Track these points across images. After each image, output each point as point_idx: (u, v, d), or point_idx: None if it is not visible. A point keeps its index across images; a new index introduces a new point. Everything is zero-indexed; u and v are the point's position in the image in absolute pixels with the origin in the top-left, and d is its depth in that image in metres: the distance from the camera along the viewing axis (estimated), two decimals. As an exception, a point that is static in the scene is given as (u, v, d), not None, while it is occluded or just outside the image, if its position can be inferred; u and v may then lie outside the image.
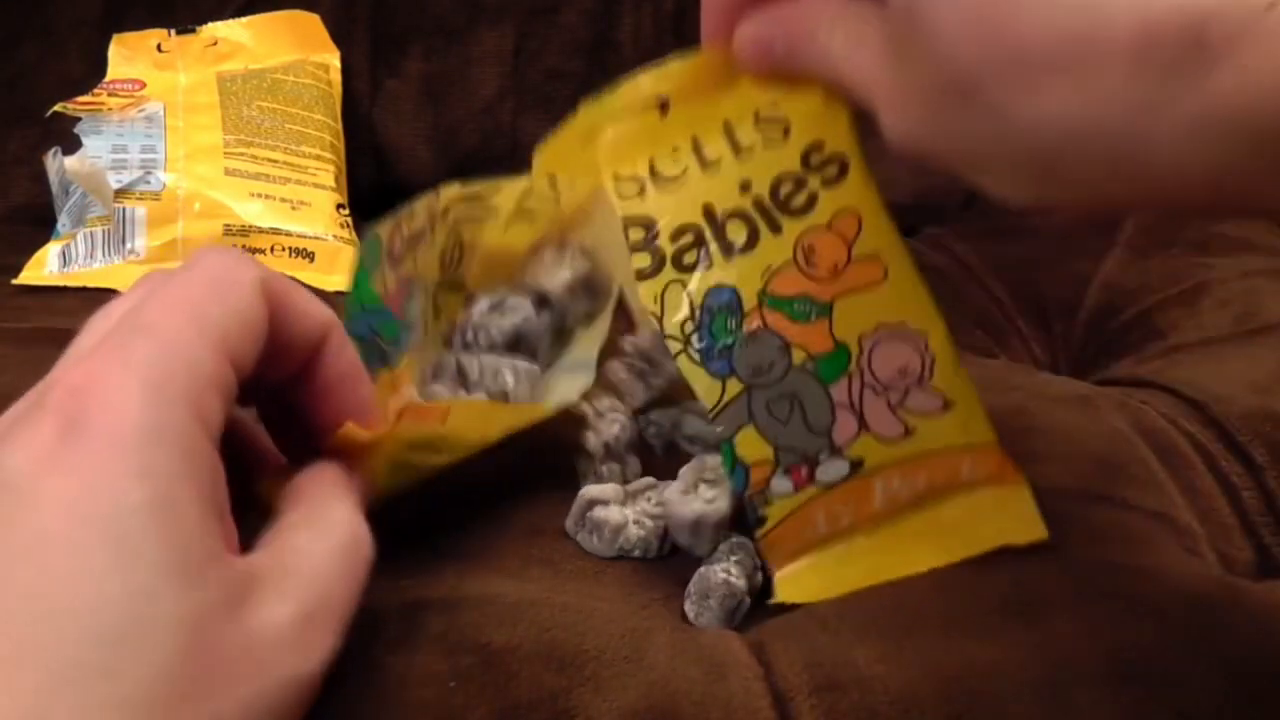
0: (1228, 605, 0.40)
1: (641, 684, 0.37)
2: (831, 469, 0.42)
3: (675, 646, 0.39)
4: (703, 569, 0.42)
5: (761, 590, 0.42)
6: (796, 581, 0.42)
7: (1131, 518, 0.46)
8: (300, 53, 0.89)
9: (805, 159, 0.42)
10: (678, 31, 0.88)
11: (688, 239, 0.42)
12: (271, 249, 0.77)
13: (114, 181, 0.76)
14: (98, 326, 0.32)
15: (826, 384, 0.42)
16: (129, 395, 0.27)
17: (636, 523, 0.44)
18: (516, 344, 0.48)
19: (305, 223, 0.78)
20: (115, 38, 0.87)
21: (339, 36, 0.91)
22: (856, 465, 0.42)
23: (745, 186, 0.42)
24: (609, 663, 0.37)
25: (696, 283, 0.42)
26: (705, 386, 0.42)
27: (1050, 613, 0.39)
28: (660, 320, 0.42)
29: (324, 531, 0.33)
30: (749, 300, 0.42)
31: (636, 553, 0.44)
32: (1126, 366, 0.61)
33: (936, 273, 0.73)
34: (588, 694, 0.36)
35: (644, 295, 0.42)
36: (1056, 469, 0.48)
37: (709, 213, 0.42)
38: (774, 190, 0.42)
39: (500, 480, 0.47)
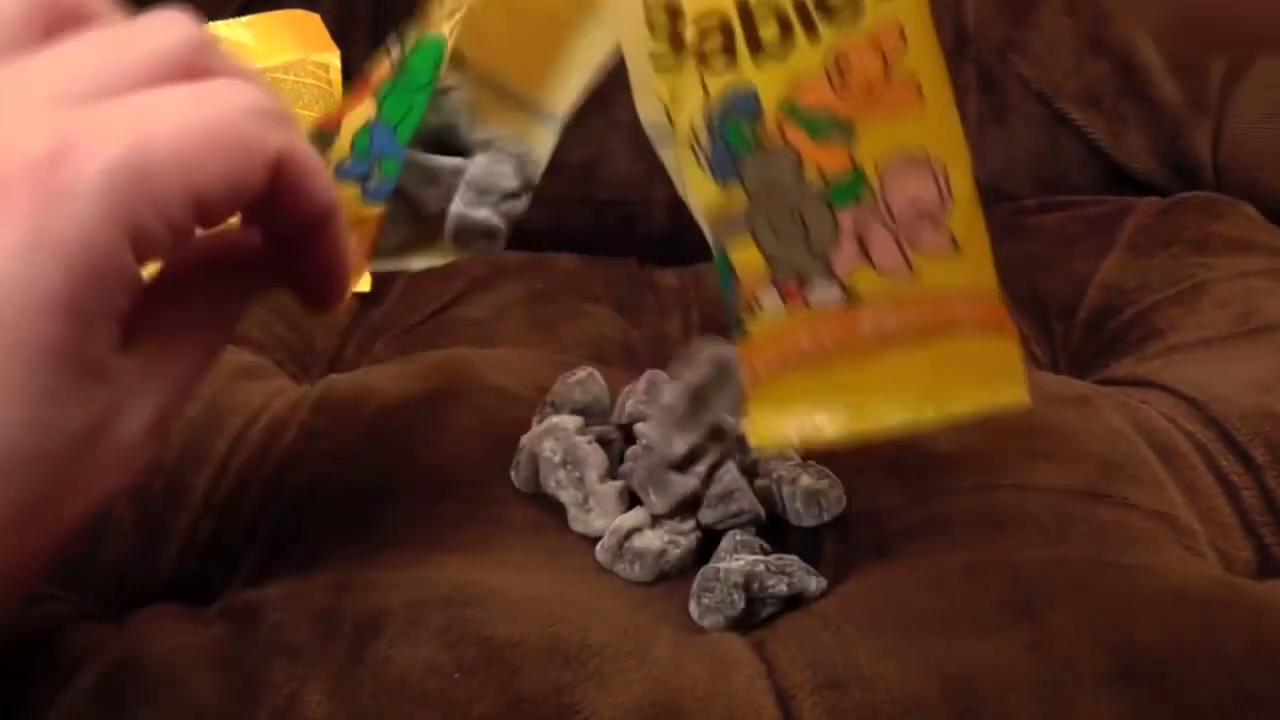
0: (1228, 605, 0.41)
1: (645, 679, 0.37)
2: (825, 292, 0.39)
3: (679, 643, 0.39)
4: (706, 566, 0.42)
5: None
6: (772, 395, 0.39)
7: (1132, 517, 0.46)
8: (301, 52, 0.89)
9: None
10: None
11: (714, 28, 0.38)
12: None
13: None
14: (105, 59, 0.30)
15: (835, 207, 0.39)
16: (82, 195, 0.26)
17: (671, 542, 0.44)
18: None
19: (306, 222, 0.78)
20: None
21: (339, 36, 0.91)
22: (852, 294, 0.39)
23: None
24: (613, 658, 0.37)
25: (716, 79, 0.39)
26: (707, 191, 0.39)
27: (1050, 612, 0.39)
28: (669, 114, 0.39)
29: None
30: (770, 107, 0.38)
31: (675, 573, 0.44)
32: (1126, 366, 0.61)
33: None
34: (591, 689, 0.36)
35: (659, 85, 0.39)
36: (1056, 469, 0.48)
37: (742, 3, 0.38)
38: None
39: (501, 478, 0.48)
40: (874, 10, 0.38)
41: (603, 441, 0.47)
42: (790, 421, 0.39)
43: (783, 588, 0.41)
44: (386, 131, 0.41)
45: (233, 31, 0.89)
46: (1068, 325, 0.67)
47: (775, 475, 0.47)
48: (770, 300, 0.39)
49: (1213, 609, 0.40)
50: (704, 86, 0.39)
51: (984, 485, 0.47)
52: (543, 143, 0.47)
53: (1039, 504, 0.46)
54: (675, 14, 0.39)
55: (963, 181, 0.39)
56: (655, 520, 0.44)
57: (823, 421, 0.39)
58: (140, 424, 0.30)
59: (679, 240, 0.81)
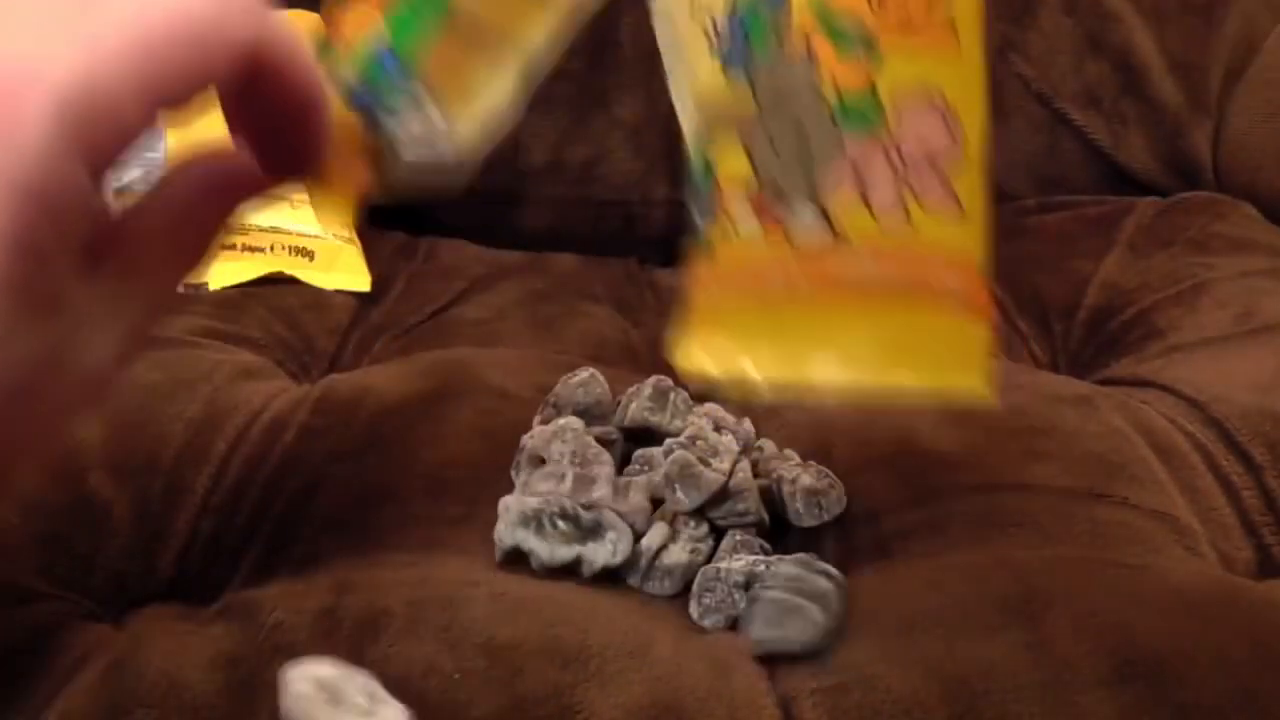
0: (1228, 605, 0.41)
1: (646, 680, 0.37)
2: (809, 221, 0.37)
3: (679, 644, 0.39)
4: (706, 567, 0.42)
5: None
6: (714, 320, 0.37)
7: (1132, 517, 0.46)
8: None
9: None
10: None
11: None
12: (271, 247, 0.76)
13: (114, 180, 0.76)
14: None
15: (844, 129, 0.37)
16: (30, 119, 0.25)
17: (694, 551, 0.44)
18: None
19: (305, 221, 0.78)
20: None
21: (339, 36, 0.91)
22: (837, 229, 0.37)
23: None
24: (613, 659, 0.37)
25: None
26: (711, 77, 0.36)
27: (1050, 612, 0.39)
28: None
29: None
30: (799, 8, 0.36)
31: (691, 578, 0.43)
32: (1126, 366, 0.61)
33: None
34: (592, 689, 0.36)
35: None
36: (1056, 469, 0.48)
37: None
38: None
39: (501, 478, 0.48)
40: None
41: (604, 442, 0.47)
42: (721, 354, 0.37)
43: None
44: (397, 63, 0.39)
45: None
46: (1068, 325, 0.67)
47: (775, 475, 0.47)
48: (746, 219, 0.37)
49: (1213, 609, 0.40)
50: None
51: (984, 485, 0.47)
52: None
53: (1039, 504, 0.46)
54: None
55: (976, 140, 0.38)
56: (674, 529, 0.44)
57: (754, 363, 0.37)
58: (106, 352, 0.28)
59: (679, 240, 0.81)
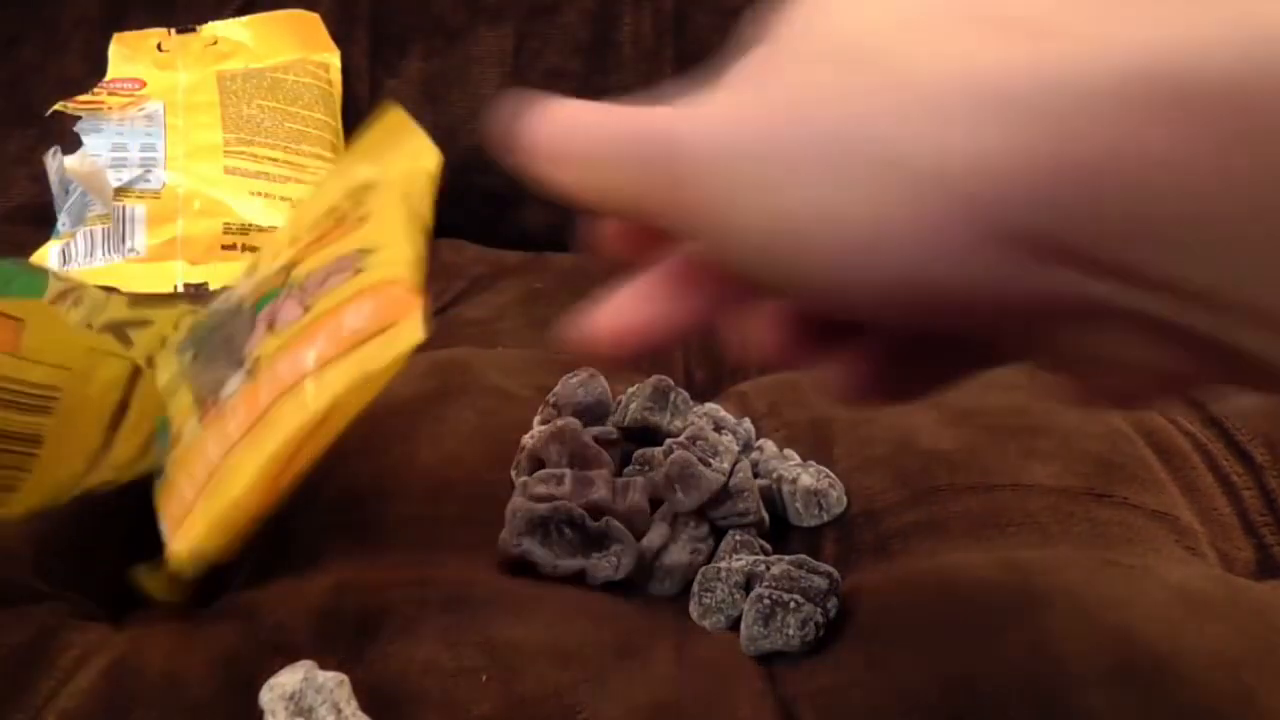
0: (1228, 604, 0.41)
1: (646, 680, 0.37)
2: (234, 382, 0.41)
3: (679, 644, 0.39)
4: (707, 567, 0.42)
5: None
6: (187, 534, 0.39)
7: (1132, 517, 0.46)
8: (300, 52, 0.89)
9: None
10: (678, 31, 0.88)
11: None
12: (271, 248, 0.77)
13: (114, 180, 0.76)
14: None
15: (257, 312, 0.43)
16: None
17: (695, 551, 0.44)
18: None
19: (305, 222, 0.78)
20: (115, 37, 0.87)
21: (339, 36, 0.91)
22: (253, 369, 0.40)
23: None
24: (613, 659, 0.37)
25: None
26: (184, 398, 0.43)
27: (1050, 613, 0.39)
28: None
29: None
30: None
31: (692, 578, 0.43)
32: (1126, 367, 0.61)
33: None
34: (593, 689, 0.36)
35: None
36: (1057, 468, 0.48)
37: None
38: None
39: (502, 478, 0.48)
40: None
41: (604, 442, 0.47)
42: (205, 527, 0.39)
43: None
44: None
45: (232, 31, 0.89)
46: (1067, 325, 0.67)
47: (775, 475, 0.47)
48: (189, 428, 0.41)
49: (1213, 609, 0.40)
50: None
51: (984, 485, 0.47)
52: None
53: (1039, 504, 0.46)
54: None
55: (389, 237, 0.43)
56: (674, 529, 0.44)
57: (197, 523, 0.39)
58: None
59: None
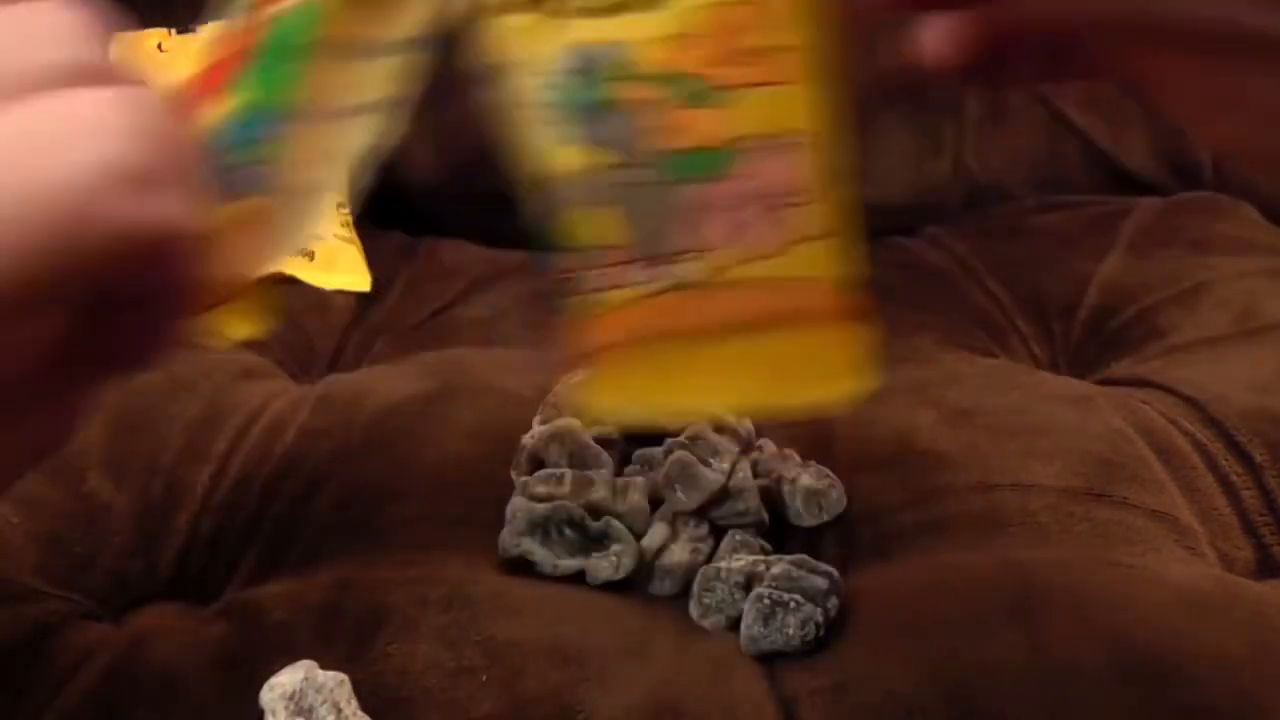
0: (1228, 605, 0.41)
1: (646, 680, 0.37)
2: (676, 269, 0.37)
3: (679, 644, 0.39)
4: (707, 567, 0.42)
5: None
6: (612, 374, 0.38)
7: (1132, 517, 0.46)
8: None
9: None
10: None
11: None
12: (272, 248, 0.77)
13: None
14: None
15: (694, 179, 0.37)
16: None
17: (695, 551, 0.44)
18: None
19: (305, 221, 0.78)
20: (115, 37, 0.87)
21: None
22: (702, 272, 0.37)
23: None
24: (613, 659, 0.37)
25: (566, 32, 0.35)
26: (563, 153, 0.36)
27: (1050, 612, 0.39)
28: (516, 63, 0.36)
29: None
30: (632, 65, 0.36)
31: (692, 578, 0.43)
32: (1126, 366, 0.61)
33: (936, 273, 0.73)
34: (593, 689, 0.36)
35: (498, 31, 0.35)
36: (1057, 468, 0.48)
37: None
38: None
39: (502, 478, 0.48)
40: None
41: (604, 442, 0.47)
42: (625, 399, 0.37)
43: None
44: (267, 114, 0.38)
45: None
46: (1068, 325, 0.67)
47: (775, 475, 0.47)
48: (621, 276, 0.37)
49: (1213, 609, 0.40)
50: (560, 37, 0.35)
51: (984, 485, 0.47)
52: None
53: (1039, 504, 0.46)
54: None
55: (830, 161, 0.37)
56: (674, 529, 0.44)
57: (656, 401, 0.37)
58: None
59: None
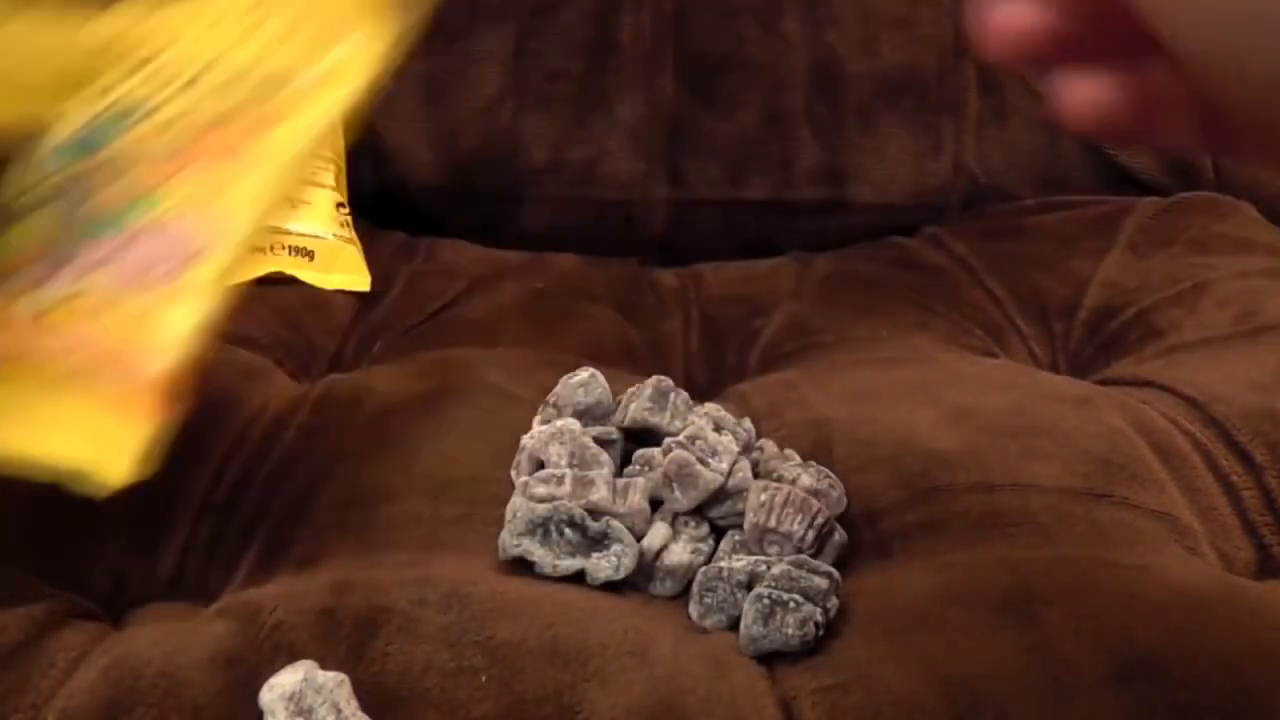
0: (1228, 605, 0.41)
1: (646, 680, 0.37)
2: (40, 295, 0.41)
3: (679, 644, 0.39)
4: (707, 567, 0.42)
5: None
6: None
7: (1132, 516, 0.46)
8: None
9: None
10: (678, 31, 0.88)
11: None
12: (271, 247, 0.76)
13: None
14: None
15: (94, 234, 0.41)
16: None
17: (695, 551, 0.44)
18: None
19: (305, 221, 0.78)
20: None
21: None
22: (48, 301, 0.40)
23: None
24: (613, 659, 0.37)
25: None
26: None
27: (1050, 613, 0.39)
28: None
29: None
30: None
31: (692, 578, 0.43)
32: (1126, 366, 0.61)
33: (936, 272, 0.73)
34: (593, 689, 0.36)
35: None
36: (1057, 468, 0.48)
37: None
38: None
39: (501, 478, 0.48)
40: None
41: (603, 443, 0.47)
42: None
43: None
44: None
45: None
46: (1068, 325, 0.67)
47: (775, 475, 0.47)
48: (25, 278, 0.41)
49: (1213, 609, 0.40)
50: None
51: (984, 485, 0.47)
52: None
53: (1039, 504, 0.46)
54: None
55: (241, 234, 0.41)
56: (674, 529, 0.44)
57: None
58: None
59: (679, 240, 0.81)
